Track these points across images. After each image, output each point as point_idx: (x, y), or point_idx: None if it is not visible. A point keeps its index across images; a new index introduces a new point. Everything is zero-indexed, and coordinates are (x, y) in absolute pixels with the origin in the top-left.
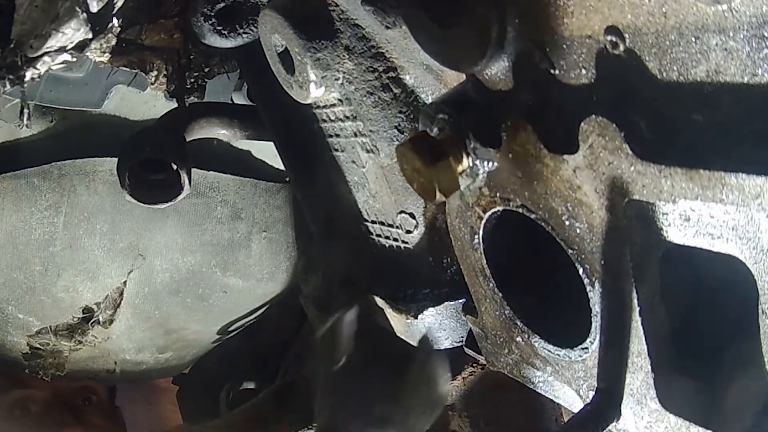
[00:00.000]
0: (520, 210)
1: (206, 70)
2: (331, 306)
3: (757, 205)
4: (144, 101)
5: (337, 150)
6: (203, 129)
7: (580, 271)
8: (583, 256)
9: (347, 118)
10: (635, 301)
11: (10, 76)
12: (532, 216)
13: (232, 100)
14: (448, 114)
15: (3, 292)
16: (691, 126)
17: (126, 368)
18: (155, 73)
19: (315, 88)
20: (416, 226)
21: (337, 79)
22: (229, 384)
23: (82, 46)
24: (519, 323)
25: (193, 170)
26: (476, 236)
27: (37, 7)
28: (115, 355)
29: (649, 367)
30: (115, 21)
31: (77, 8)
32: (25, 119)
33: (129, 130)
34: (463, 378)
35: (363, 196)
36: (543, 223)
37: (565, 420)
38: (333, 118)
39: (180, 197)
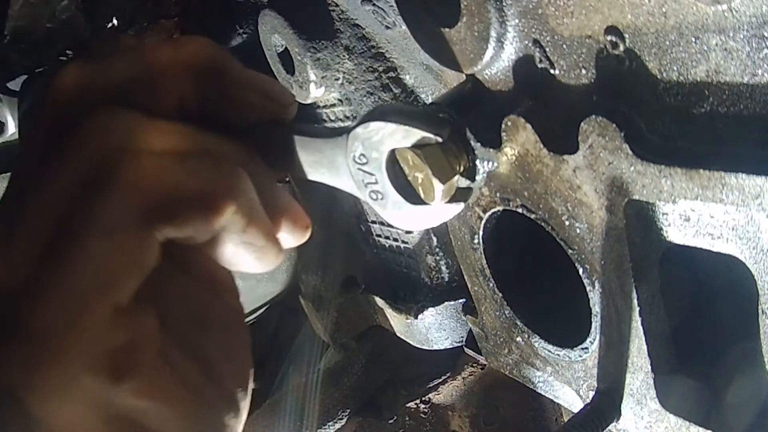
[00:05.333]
0: (520, 210)
1: None
2: (331, 306)
3: (757, 205)
4: None
5: None
6: None
7: (580, 271)
8: (583, 256)
9: (347, 118)
10: (635, 301)
11: (4, 73)
12: (532, 216)
13: None
14: (448, 114)
15: None
16: (691, 126)
17: None
18: None
19: (315, 88)
20: None
21: (337, 79)
22: None
23: (81, 46)
24: (519, 323)
25: None
26: (476, 236)
27: (33, 4)
28: None
29: (649, 367)
30: (115, 21)
31: (75, 7)
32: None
33: None
34: (463, 378)
35: None
36: (543, 223)
37: (565, 420)
38: (333, 118)
39: None
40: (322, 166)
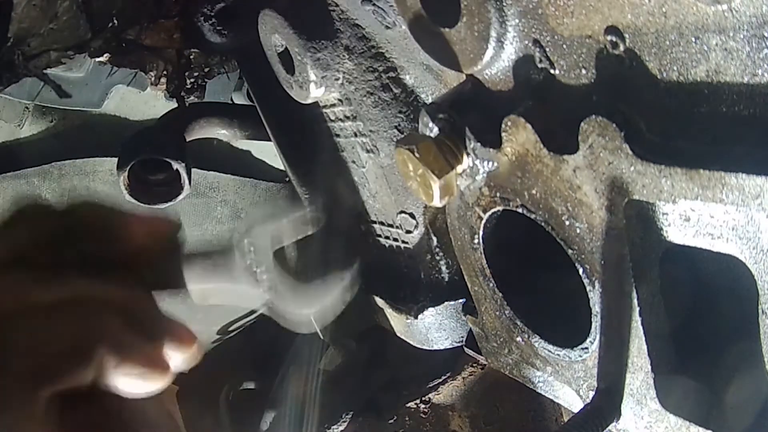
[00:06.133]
0: (520, 210)
1: (206, 70)
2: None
3: (757, 205)
4: (144, 101)
5: (337, 150)
6: (203, 129)
7: (580, 271)
8: (583, 256)
9: (347, 118)
10: (635, 301)
11: (8, 75)
12: (532, 216)
13: (232, 100)
14: (448, 114)
15: None
16: (691, 126)
17: None
18: (155, 73)
19: (315, 88)
20: (416, 226)
21: (337, 79)
22: (229, 384)
23: (81, 46)
24: (519, 323)
25: (193, 170)
26: (476, 236)
27: (35, 6)
28: None
29: (649, 367)
30: (115, 21)
31: (76, 8)
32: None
33: (129, 130)
34: (463, 378)
35: (363, 196)
36: (543, 223)
37: (565, 420)
38: (333, 118)
39: (180, 197)
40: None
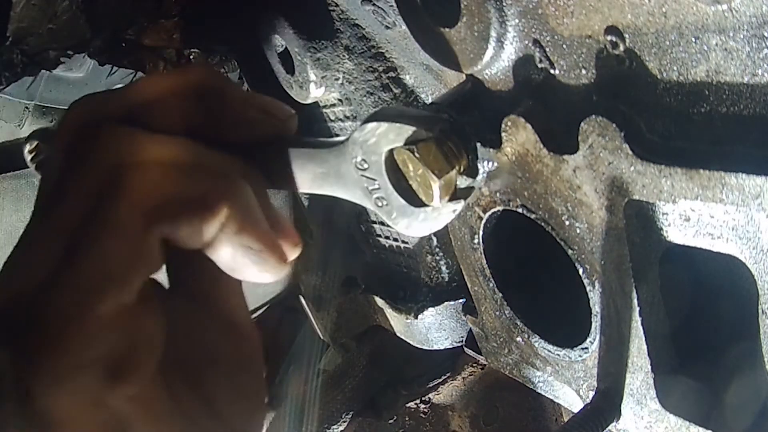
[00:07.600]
0: (520, 210)
1: None
2: (331, 306)
3: (757, 205)
4: None
5: None
6: None
7: (580, 271)
8: (583, 256)
9: (347, 118)
10: (635, 301)
11: (6, 74)
12: (532, 216)
13: None
14: (448, 114)
15: None
16: (691, 126)
17: None
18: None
19: (315, 88)
20: None
21: (337, 79)
22: None
23: (81, 46)
24: (519, 323)
25: None
26: (476, 236)
27: (34, 6)
28: None
29: (649, 367)
30: (115, 21)
31: (75, 7)
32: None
33: None
34: (463, 378)
35: None
36: (543, 223)
37: (565, 420)
38: (333, 118)
39: None
40: (329, 176)
